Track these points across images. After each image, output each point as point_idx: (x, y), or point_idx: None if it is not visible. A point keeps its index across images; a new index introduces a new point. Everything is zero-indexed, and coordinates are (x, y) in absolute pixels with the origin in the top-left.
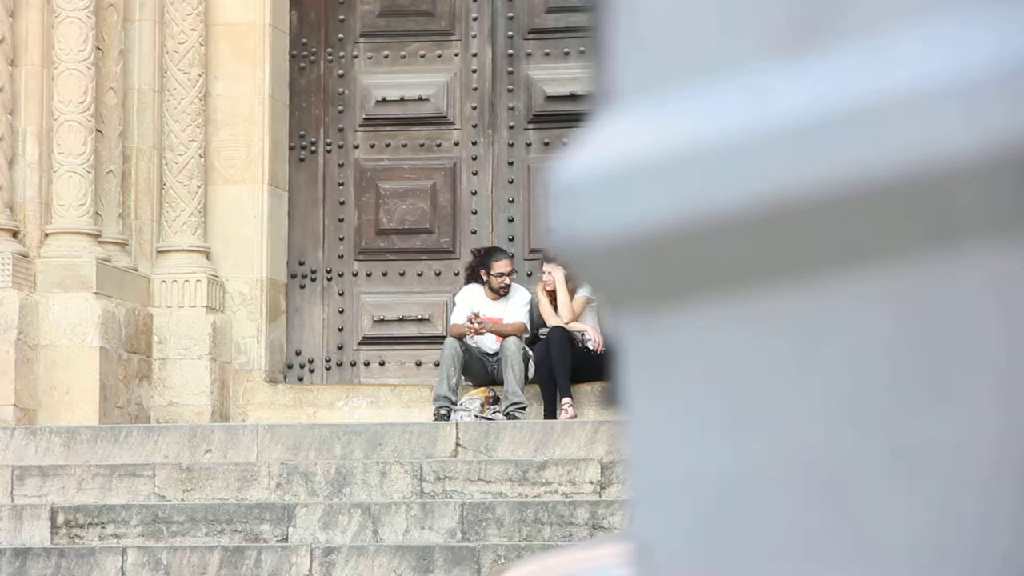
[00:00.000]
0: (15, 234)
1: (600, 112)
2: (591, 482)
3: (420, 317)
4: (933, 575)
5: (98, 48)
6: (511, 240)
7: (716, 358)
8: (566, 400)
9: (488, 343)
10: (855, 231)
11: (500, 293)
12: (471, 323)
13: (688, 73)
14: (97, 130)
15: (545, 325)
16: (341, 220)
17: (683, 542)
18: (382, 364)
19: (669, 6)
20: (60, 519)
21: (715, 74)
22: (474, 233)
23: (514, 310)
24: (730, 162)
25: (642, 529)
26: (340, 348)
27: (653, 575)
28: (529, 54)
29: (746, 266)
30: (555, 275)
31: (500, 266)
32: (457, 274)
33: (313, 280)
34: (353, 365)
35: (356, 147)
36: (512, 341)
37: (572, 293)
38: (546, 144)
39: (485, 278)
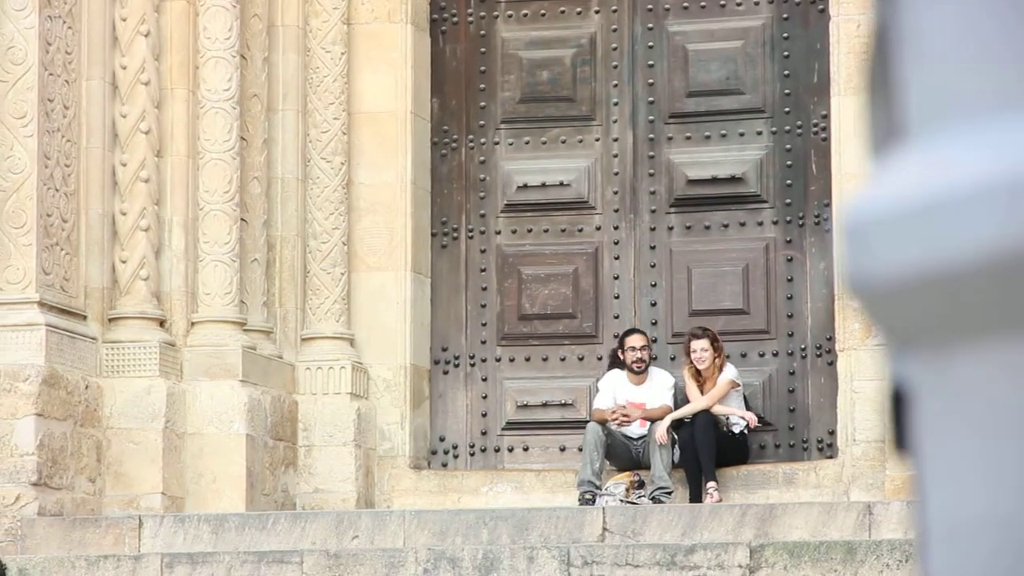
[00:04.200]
0: (162, 323)
1: (884, 151)
2: (740, 566)
3: (563, 402)
4: None
5: (242, 138)
6: (654, 324)
7: (1014, 396)
8: (711, 484)
9: (633, 428)
10: None
11: (635, 370)
12: (615, 416)
13: (978, 108)
14: (242, 219)
15: None
16: (484, 306)
17: None
18: (526, 449)
19: (957, 41)
20: None
21: (1007, 108)
22: (616, 318)
23: (658, 394)
24: None
25: (936, 571)
26: (484, 434)
27: None
28: (670, 138)
29: None
30: (707, 354)
31: (631, 340)
32: (600, 359)
33: (456, 366)
34: (497, 451)
35: (498, 233)
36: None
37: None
38: (688, 228)
39: (621, 357)
